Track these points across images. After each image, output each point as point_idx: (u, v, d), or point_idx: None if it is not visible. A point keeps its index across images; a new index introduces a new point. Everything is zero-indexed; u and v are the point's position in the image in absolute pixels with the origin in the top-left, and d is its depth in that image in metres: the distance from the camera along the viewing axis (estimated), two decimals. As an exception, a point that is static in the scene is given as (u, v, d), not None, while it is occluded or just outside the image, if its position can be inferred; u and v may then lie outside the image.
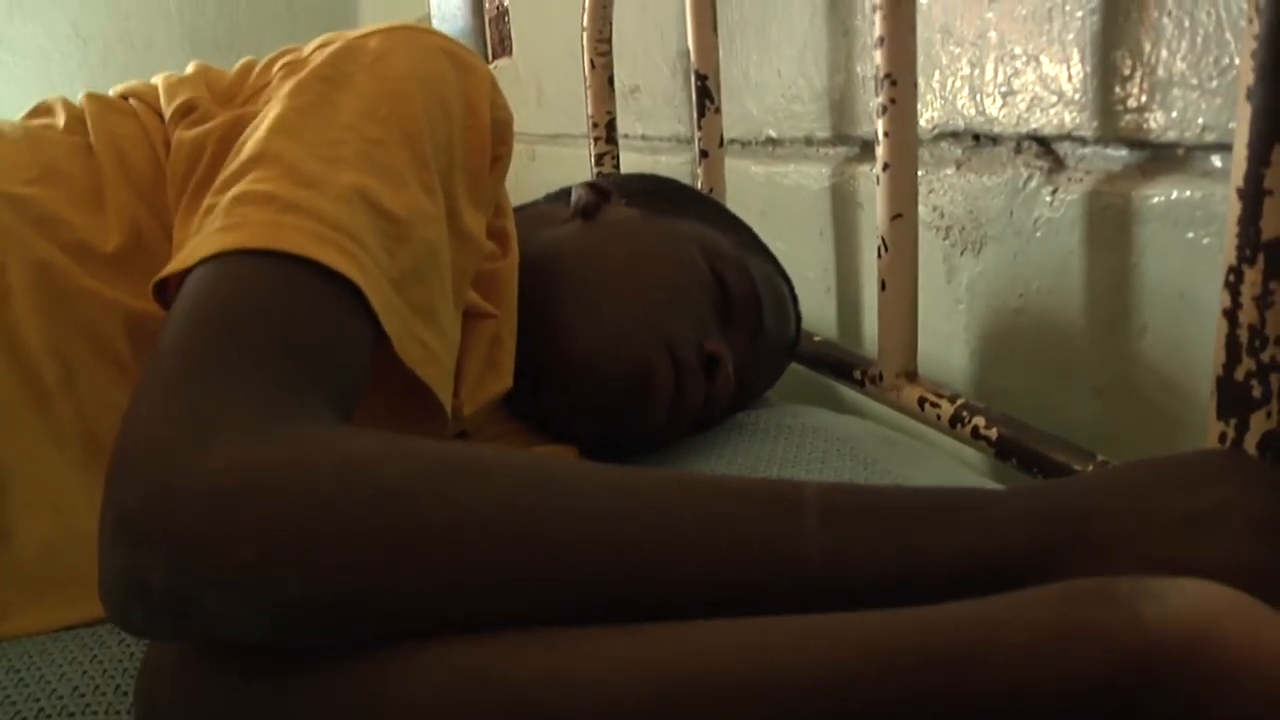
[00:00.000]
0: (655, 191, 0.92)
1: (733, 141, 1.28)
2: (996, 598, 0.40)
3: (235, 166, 0.60)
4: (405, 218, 0.60)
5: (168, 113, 0.71)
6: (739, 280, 0.83)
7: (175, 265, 0.54)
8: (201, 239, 0.55)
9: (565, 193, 0.91)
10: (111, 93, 0.76)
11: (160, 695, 0.45)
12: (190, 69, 0.77)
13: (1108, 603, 0.38)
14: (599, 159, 1.32)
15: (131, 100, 0.74)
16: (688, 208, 0.90)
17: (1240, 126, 0.53)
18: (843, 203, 1.10)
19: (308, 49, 0.72)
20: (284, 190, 0.56)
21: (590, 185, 0.89)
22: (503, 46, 2.59)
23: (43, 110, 0.76)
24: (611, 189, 0.89)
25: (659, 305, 0.78)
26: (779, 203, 1.21)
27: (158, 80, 0.76)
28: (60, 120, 0.73)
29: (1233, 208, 0.54)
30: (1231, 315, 0.55)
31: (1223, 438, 0.56)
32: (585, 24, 1.29)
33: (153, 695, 0.45)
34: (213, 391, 0.46)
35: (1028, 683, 0.37)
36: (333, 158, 0.59)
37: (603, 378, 0.76)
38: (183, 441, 0.43)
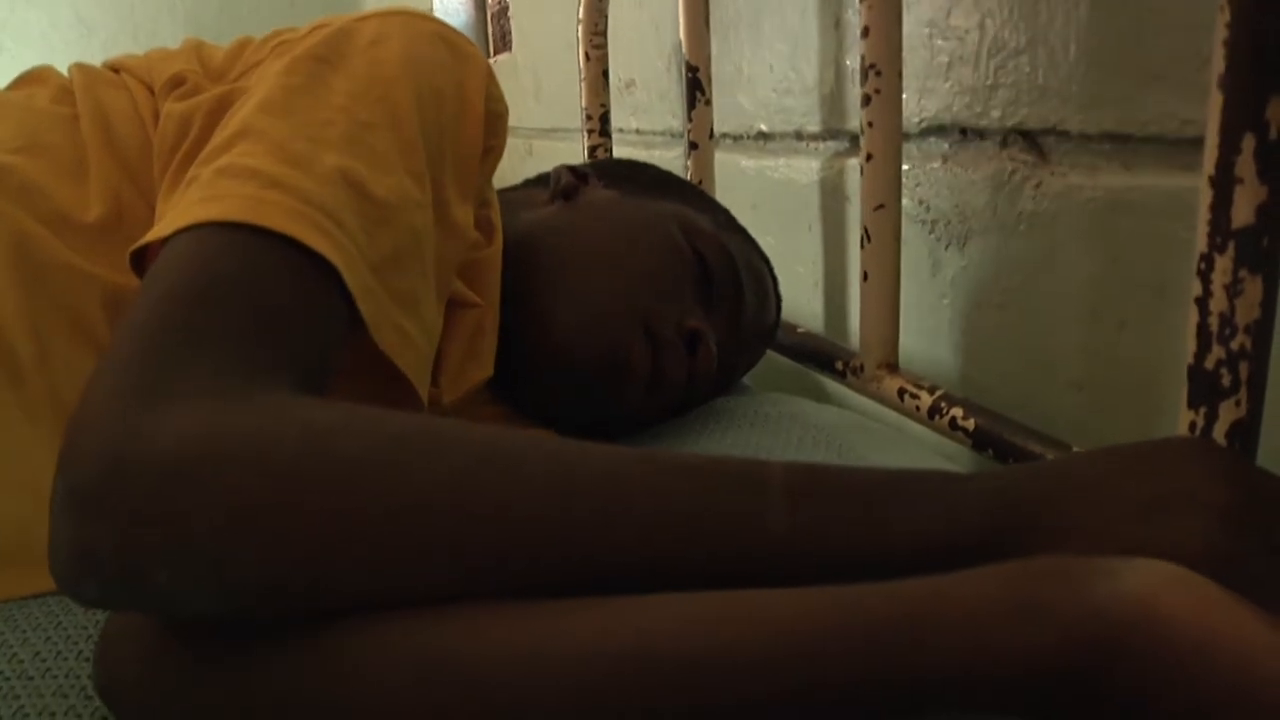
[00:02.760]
0: (634, 174, 0.92)
1: (724, 135, 1.28)
2: (951, 575, 0.40)
3: (221, 140, 0.59)
4: (389, 202, 0.60)
5: (157, 85, 0.71)
6: (719, 258, 0.83)
7: (154, 234, 0.54)
8: (181, 210, 0.54)
9: (545, 177, 0.91)
10: (100, 64, 0.76)
11: (119, 665, 0.45)
12: (184, 42, 0.77)
13: (1060, 578, 0.38)
14: (592, 152, 1.33)
15: (121, 73, 0.74)
16: (667, 190, 0.90)
17: (1212, 114, 0.53)
18: (832, 197, 1.10)
19: (304, 29, 0.71)
20: (268, 166, 0.56)
21: (569, 168, 0.88)
22: (504, 42, 2.59)
23: (31, 79, 0.76)
24: (590, 172, 0.89)
25: (637, 283, 0.78)
26: (769, 196, 1.21)
27: (149, 53, 0.75)
28: (48, 90, 0.72)
29: (1204, 196, 0.54)
30: (1202, 303, 0.55)
31: (1192, 426, 0.56)
32: (581, 17, 1.29)
33: (112, 664, 0.45)
34: (174, 361, 0.46)
35: (979, 656, 0.38)
36: (320, 138, 0.59)
37: (578, 358, 0.76)
38: (138, 410, 0.43)
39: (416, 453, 0.44)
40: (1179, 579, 0.38)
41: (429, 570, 0.42)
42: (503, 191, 0.87)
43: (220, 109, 0.65)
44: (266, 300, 0.51)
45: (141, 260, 0.56)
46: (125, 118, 0.69)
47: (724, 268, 0.83)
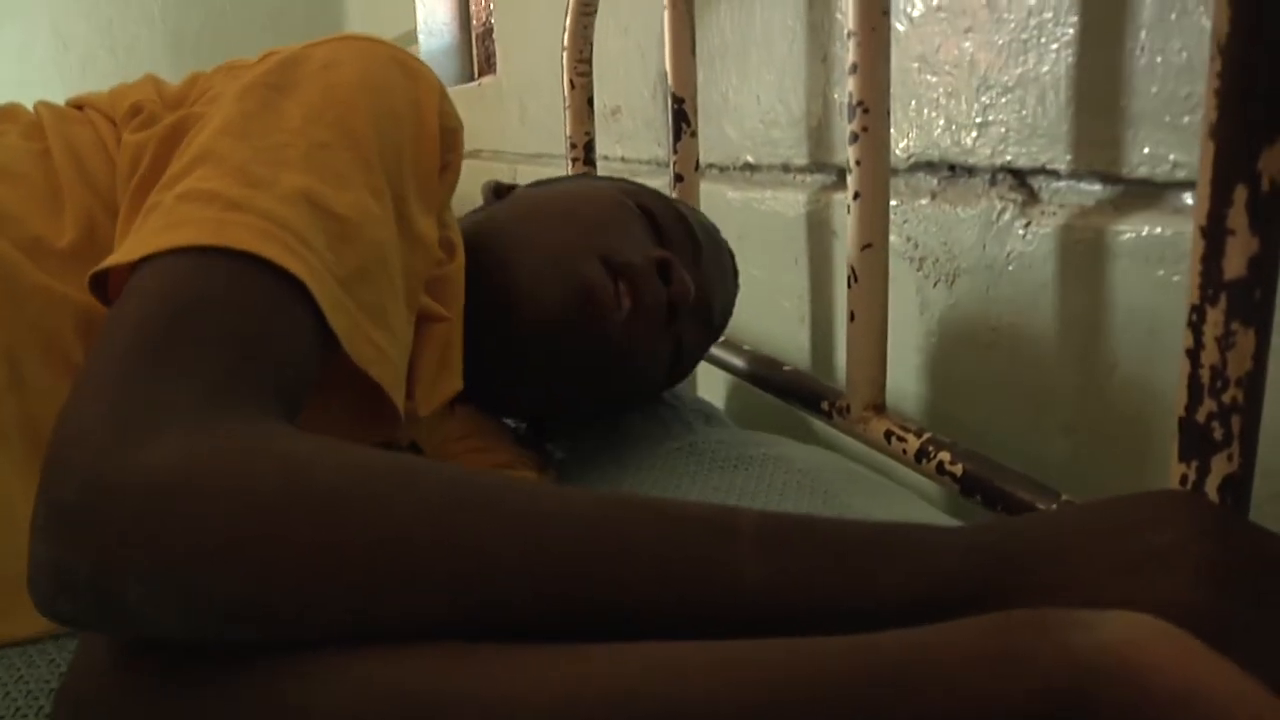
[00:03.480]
0: (558, 178, 0.97)
1: (710, 166, 1.27)
2: (929, 627, 0.39)
3: (180, 166, 0.59)
4: (352, 218, 0.60)
5: (118, 116, 0.71)
6: (662, 207, 0.85)
7: (116, 258, 0.54)
8: (145, 235, 0.54)
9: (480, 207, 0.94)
10: (63, 103, 0.76)
11: (82, 693, 0.45)
12: (142, 77, 0.77)
13: (1040, 629, 0.37)
14: (576, 180, 1.32)
15: (85, 109, 0.74)
16: (595, 179, 0.95)
17: (1203, 164, 0.52)
18: (818, 231, 1.09)
19: (255, 58, 0.72)
20: (229, 189, 0.56)
21: (497, 181, 0.94)
22: (488, 64, 2.59)
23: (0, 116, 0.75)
24: (518, 184, 0.94)
25: (584, 227, 0.80)
26: (755, 229, 1.20)
27: (111, 89, 0.76)
28: (17, 127, 0.72)
29: (1195, 246, 0.53)
30: (1194, 355, 0.54)
31: (1184, 480, 0.56)
32: (565, 44, 1.28)
33: (74, 695, 0.45)
34: (152, 386, 0.46)
35: (957, 709, 0.37)
36: (278, 160, 0.59)
37: (547, 306, 0.76)
38: (119, 435, 0.43)
39: (395, 486, 0.44)
40: (1159, 631, 0.37)
41: (404, 603, 0.42)
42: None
43: (175, 136, 0.66)
44: (239, 321, 0.51)
45: (104, 286, 0.56)
46: (92, 149, 0.69)
47: (670, 215, 0.85)
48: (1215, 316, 0.52)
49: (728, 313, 0.94)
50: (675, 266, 0.79)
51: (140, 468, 0.42)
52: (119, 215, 0.66)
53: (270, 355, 0.51)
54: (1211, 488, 0.54)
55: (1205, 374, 0.53)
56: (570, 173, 1.32)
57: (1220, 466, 0.54)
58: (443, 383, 0.75)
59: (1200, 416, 0.54)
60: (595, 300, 0.76)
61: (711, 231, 0.92)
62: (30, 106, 0.76)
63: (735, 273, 0.95)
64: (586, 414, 0.85)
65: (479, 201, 0.93)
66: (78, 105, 0.75)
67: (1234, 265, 0.51)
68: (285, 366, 0.52)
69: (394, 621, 0.42)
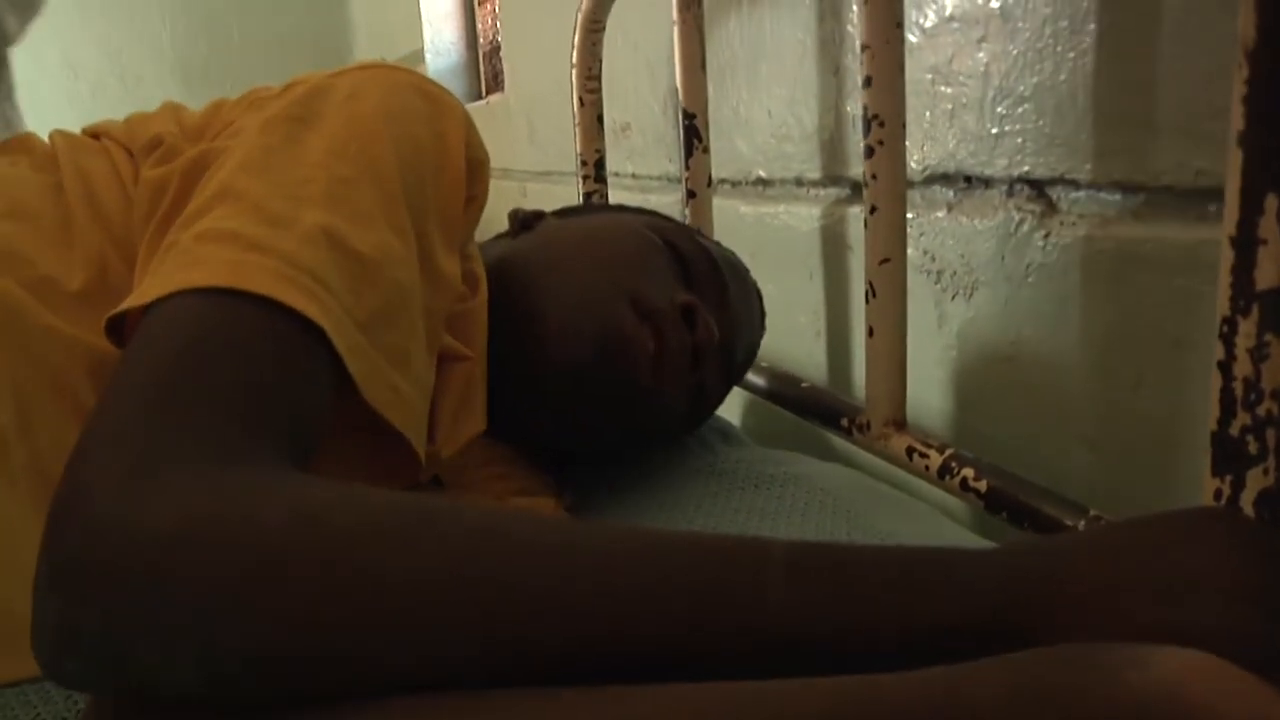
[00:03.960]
0: (586, 206, 0.97)
1: (723, 181, 1.26)
2: (967, 664, 0.38)
3: (200, 203, 0.58)
4: (374, 258, 0.58)
5: (135, 149, 0.70)
6: (691, 246, 0.83)
7: (132, 301, 0.53)
8: (161, 276, 0.53)
9: (504, 232, 0.92)
10: (80, 131, 0.75)
11: None
12: (162, 105, 0.76)
13: (1086, 666, 0.36)
14: (588, 197, 1.31)
15: (101, 138, 0.73)
16: (623, 210, 0.92)
17: (1231, 173, 0.51)
18: (833, 245, 1.08)
19: (278, 88, 0.70)
20: (248, 228, 0.55)
21: (524, 209, 0.91)
22: (495, 82, 2.59)
23: (13, 147, 0.75)
24: (545, 212, 0.91)
25: (615, 270, 0.78)
26: (768, 244, 1.19)
27: (129, 118, 0.74)
28: (31, 158, 0.71)
29: (1225, 257, 0.52)
30: (1226, 368, 0.53)
31: (1218, 494, 0.54)
32: (574, 61, 1.28)
33: None
34: (161, 435, 0.45)
35: None
36: (299, 196, 0.58)
37: (575, 351, 0.74)
38: (125, 487, 0.42)
39: (408, 529, 0.42)
40: (1208, 667, 0.36)
41: (422, 649, 0.41)
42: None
43: (196, 171, 0.64)
44: (253, 367, 0.50)
45: (120, 327, 0.55)
46: (107, 183, 0.68)
47: (698, 253, 0.83)
48: (1247, 328, 0.51)
49: (753, 354, 0.92)
50: (701, 312, 0.78)
51: (142, 522, 0.40)
52: (136, 253, 0.65)
53: (283, 402, 0.50)
54: (1247, 503, 0.53)
55: (1238, 387, 0.52)
56: (581, 190, 1.31)
57: (1256, 481, 0.53)
58: (465, 423, 0.73)
59: (1234, 430, 0.53)
60: (625, 347, 0.74)
61: (739, 271, 0.90)
62: (45, 135, 0.75)
63: (762, 314, 0.93)
64: (608, 452, 0.84)
65: (503, 222, 0.92)
66: (94, 134, 0.73)
67: (1266, 275, 0.50)
68: (299, 413, 0.51)
69: (415, 667, 0.41)
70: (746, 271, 0.91)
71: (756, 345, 0.92)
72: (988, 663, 0.38)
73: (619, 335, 0.74)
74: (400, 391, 0.59)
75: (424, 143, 0.66)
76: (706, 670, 0.40)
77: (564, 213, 0.93)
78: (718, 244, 0.91)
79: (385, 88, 0.67)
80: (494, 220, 0.90)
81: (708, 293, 0.82)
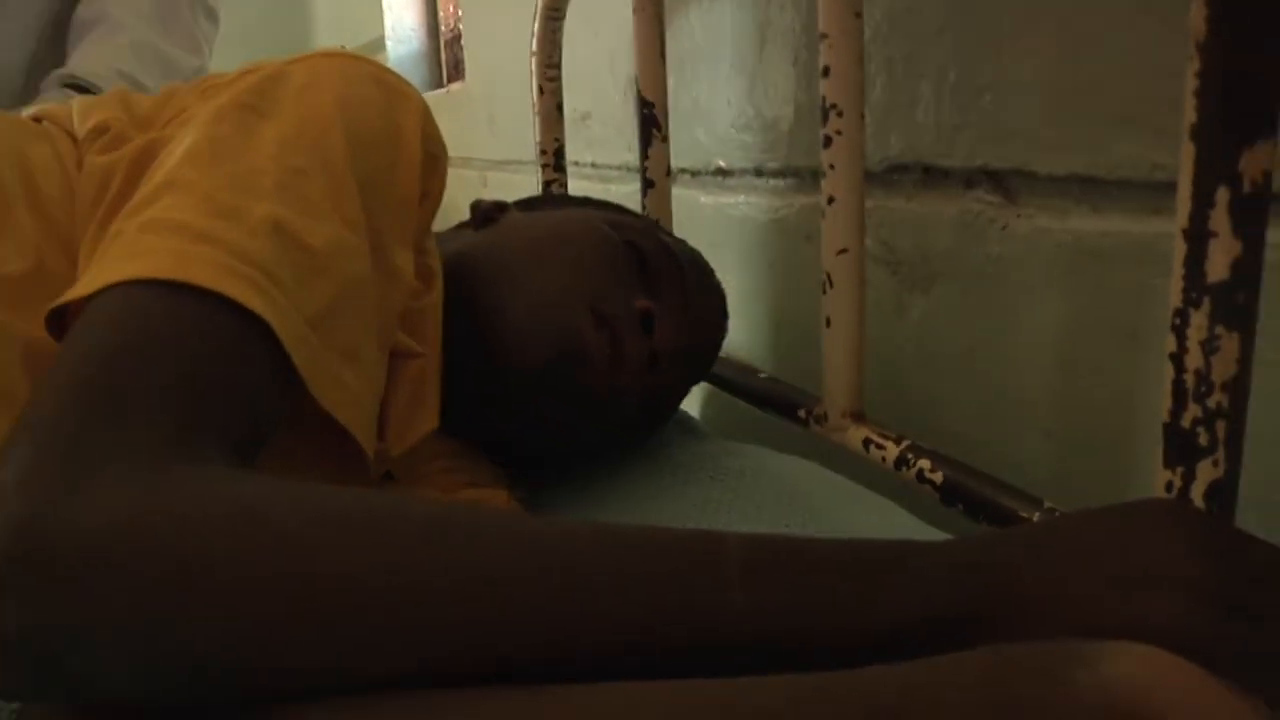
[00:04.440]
0: (551, 198, 0.94)
1: (682, 171, 1.26)
2: (920, 663, 0.38)
3: (147, 192, 0.57)
4: (324, 251, 0.57)
5: (80, 134, 0.68)
6: (652, 245, 0.82)
7: (74, 292, 0.51)
8: (104, 266, 0.52)
9: (466, 221, 0.91)
10: (24, 113, 0.73)
11: None
12: (110, 91, 0.74)
13: (1041, 670, 0.36)
14: (547, 186, 1.30)
15: (44, 121, 0.71)
16: (586, 204, 0.91)
17: (1184, 166, 0.51)
18: (792, 235, 1.08)
19: (233, 74, 0.69)
20: (195, 219, 0.53)
21: (486, 200, 0.89)
22: (456, 70, 2.58)
23: None
24: (508, 204, 0.90)
25: (574, 272, 0.77)
26: (728, 234, 1.19)
27: (74, 101, 0.73)
28: None
29: (1178, 249, 0.52)
30: (1177, 360, 0.53)
31: (1169, 486, 0.55)
32: (534, 49, 1.27)
33: None
34: (96, 430, 0.43)
35: None
36: (250, 187, 0.57)
37: (532, 354, 0.73)
38: (55, 482, 0.40)
39: (353, 528, 0.41)
40: (1164, 665, 0.36)
41: (364, 653, 0.40)
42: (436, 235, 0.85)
43: (144, 159, 0.63)
44: (194, 361, 0.49)
45: (61, 319, 0.53)
46: (47, 169, 0.66)
47: (660, 252, 0.82)
48: (1199, 320, 0.52)
49: (713, 357, 0.92)
50: (659, 318, 0.77)
51: (72, 522, 0.39)
52: (75, 241, 0.63)
53: (226, 398, 0.49)
54: (1197, 494, 0.53)
55: (1189, 379, 0.53)
56: (541, 179, 1.30)
57: (1206, 473, 0.53)
58: (416, 421, 0.72)
59: (1185, 422, 0.53)
60: (581, 353, 0.74)
61: (702, 270, 0.89)
62: None
63: (724, 313, 0.92)
64: (562, 455, 0.83)
65: (463, 211, 0.90)
66: (37, 118, 0.71)
67: (1217, 268, 0.50)
68: (243, 410, 0.50)
69: (348, 672, 0.40)
70: (710, 270, 0.90)
71: (718, 346, 0.92)
72: (939, 663, 0.38)
73: (575, 341, 0.73)
74: (349, 389, 0.57)
75: (379, 135, 0.65)
76: (661, 667, 0.40)
77: (528, 204, 0.91)
78: (681, 242, 0.90)
79: (342, 77, 0.65)
80: (453, 209, 0.89)
81: (668, 295, 0.81)
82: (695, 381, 0.91)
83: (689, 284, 0.83)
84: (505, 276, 0.77)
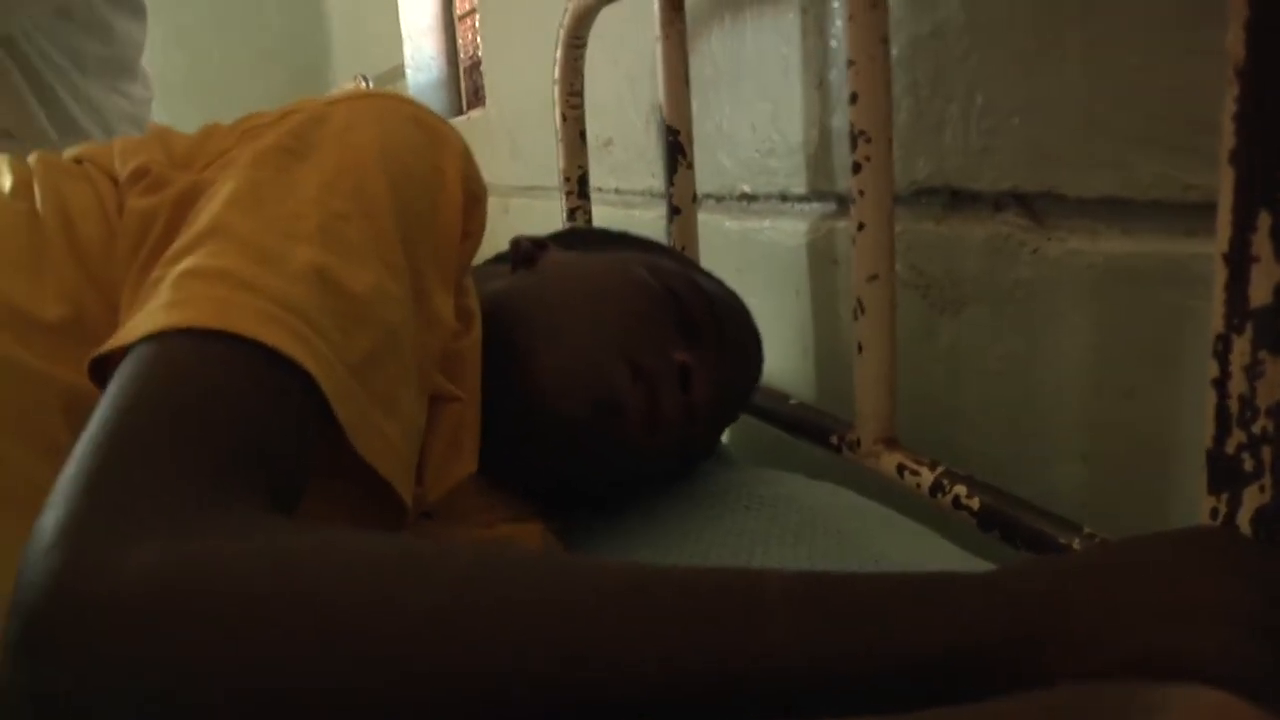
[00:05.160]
0: (591, 235, 0.92)
1: (706, 196, 1.26)
2: (975, 707, 0.37)
3: (188, 238, 0.57)
4: (366, 297, 0.57)
5: (122, 177, 0.68)
6: (691, 293, 0.81)
7: (116, 341, 0.51)
8: (146, 314, 0.52)
9: (503, 254, 0.90)
10: (65, 155, 0.73)
11: None
12: (148, 130, 0.74)
13: (1102, 717, 0.36)
14: (571, 214, 1.30)
15: (84, 163, 0.71)
16: (627, 244, 0.90)
17: (1224, 191, 0.51)
18: (819, 260, 1.08)
19: (273, 114, 0.69)
20: (237, 266, 0.53)
21: (527, 238, 0.87)
22: (476, 96, 2.58)
23: None
24: (548, 240, 0.88)
25: (615, 325, 0.76)
26: (754, 259, 1.19)
27: (114, 142, 0.73)
28: (6, 183, 0.70)
29: (1219, 274, 0.52)
30: (1220, 385, 0.53)
31: (1214, 513, 0.54)
32: (556, 77, 1.27)
33: None
34: (136, 486, 0.43)
35: None
36: (291, 233, 0.57)
37: (570, 410, 0.73)
38: (95, 541, 0.40)
39: (396, 582, 0.41)
40: (1225, 710, 0.35)
41: (412, 705, 0.39)
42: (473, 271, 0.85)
43: (185, 203, 0.63)
44: (236, 412, 0.49)
45: (103, 367, 0.53)
46: (87, 212, 0.66)
47: (697, 300, 0.81)
48: (1242, 345, 0.51)
49: (746, 401, 0.91)
50: (696, 373, 0.77)
51: (114, 580, 0.39)
52: (115, 285, 0.63)
53: (267, 448, 0.49)
54: (1244, 521, 0.53)
55: (1233, 404, 0.52)
56: (565, 206, 1.31)
57: (1252, 499, 0.53)
58: (454, 465, 0.72)
59: (1230, 448, 0.53)
60: (618, 409, 0.73)
61: (739, 318, 0.88)
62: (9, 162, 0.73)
63: (760, 358, 0.91)
64: (598, 498, 0.83)
65: (492, 239, 0.89)
66: (77, 159, 0.71)
67: (1260, 293, 0.50)
68: (283, 460, 0.50)
69: (400, 715, 0.40)
70: (747, 315, 0.89)
71: (751, 391, 0.91)
72: (994, 708, 0.37)
73: (612, 397, 0.73)
74: (388, 438, 0.57)
75: (420, 177, 0.65)
76: (703, 707, 0.40)
77: (568, 241, 0.90)
78: (718, 283, 0.90)
79: (382, 119, 0.66)
80: (486, 239, 0.89)
81: (707, 344, 0.80)
82: (730, 423, 0.91)
83: (727, 334, 0.83)
84: (544, 327, 0.76)
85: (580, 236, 0.93)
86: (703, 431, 0.81)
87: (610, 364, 0.74)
